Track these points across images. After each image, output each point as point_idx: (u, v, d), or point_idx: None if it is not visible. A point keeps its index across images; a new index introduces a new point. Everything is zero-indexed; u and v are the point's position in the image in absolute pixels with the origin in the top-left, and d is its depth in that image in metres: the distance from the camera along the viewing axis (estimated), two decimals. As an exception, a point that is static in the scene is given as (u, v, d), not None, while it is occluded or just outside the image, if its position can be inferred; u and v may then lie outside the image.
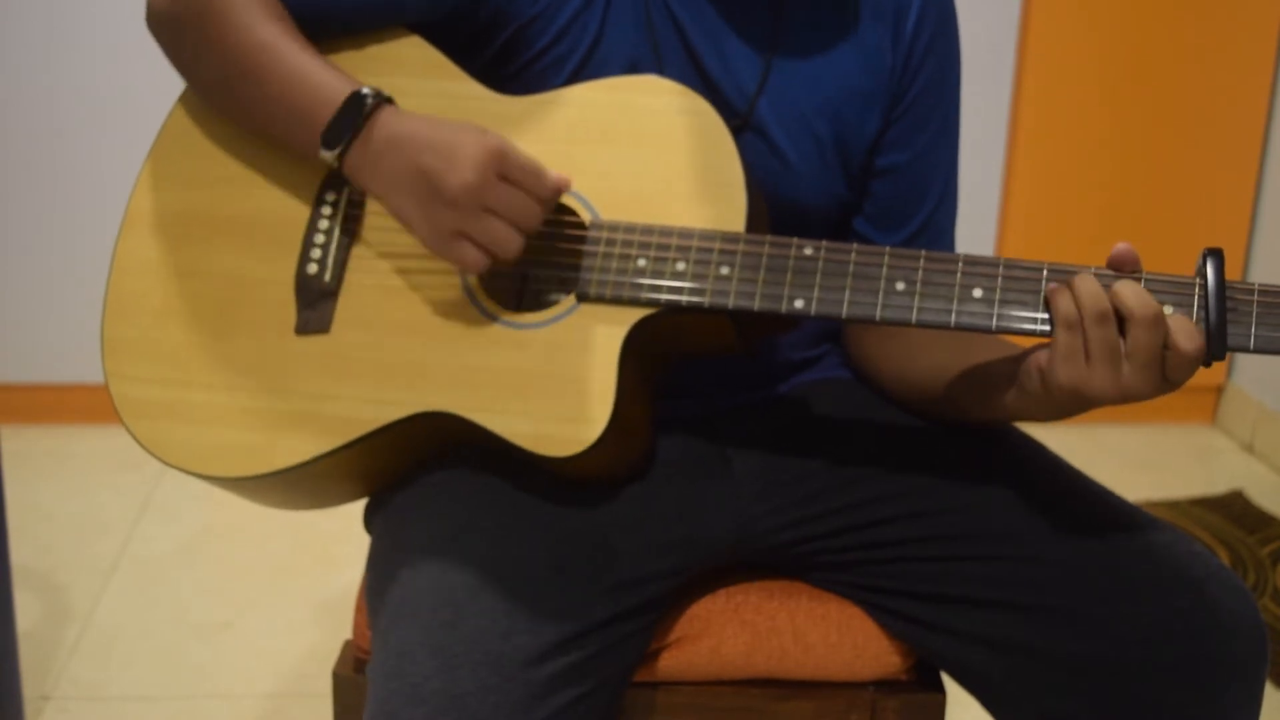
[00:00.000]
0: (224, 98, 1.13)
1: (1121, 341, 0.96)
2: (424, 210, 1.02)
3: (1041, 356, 1.00)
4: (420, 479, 1.12)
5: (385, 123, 1.04)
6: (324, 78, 1.07)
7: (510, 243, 1.02)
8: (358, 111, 1.04)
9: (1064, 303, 0.97)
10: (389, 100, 1.06)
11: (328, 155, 1.06)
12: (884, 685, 1.19)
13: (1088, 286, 0.97)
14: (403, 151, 1.03)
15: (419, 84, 1.11)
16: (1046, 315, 0.99)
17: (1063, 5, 2.73)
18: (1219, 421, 2.99)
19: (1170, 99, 2.79)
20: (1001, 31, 2.74)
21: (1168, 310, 0.97)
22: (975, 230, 2.83)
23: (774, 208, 1.12)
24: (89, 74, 2.61)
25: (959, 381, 1.12)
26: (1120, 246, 0.99)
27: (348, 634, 1.25)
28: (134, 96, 2.53)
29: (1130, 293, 0.95)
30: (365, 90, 1.05)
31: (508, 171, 1.01)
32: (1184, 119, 2.81)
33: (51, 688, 1.92)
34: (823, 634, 1.17)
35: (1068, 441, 1.24)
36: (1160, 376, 0.96)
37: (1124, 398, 0.97)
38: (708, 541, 1.16)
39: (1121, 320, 0.95)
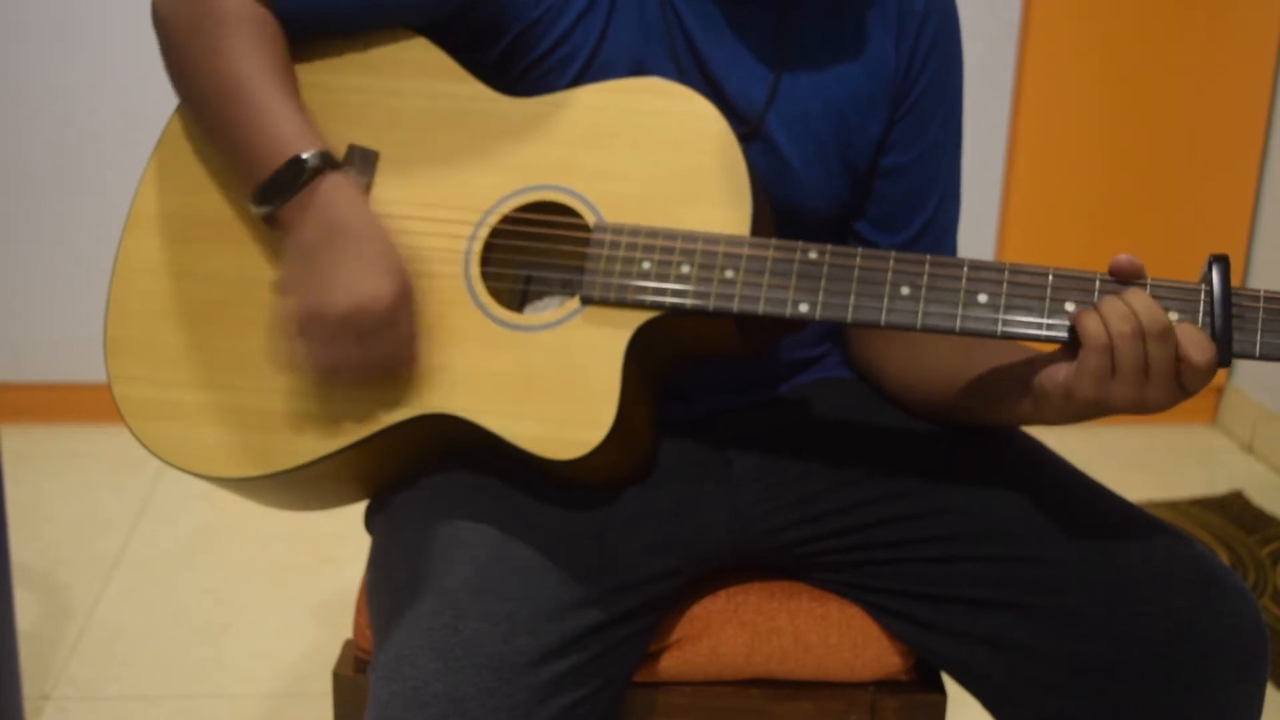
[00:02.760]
0: (193, 114, 1.13)
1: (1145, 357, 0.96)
2: (302, 291, 1.01)
3: (1061, 372, 0.99)
4: (422, 480, 1.12)
5: (329, 193, 1.03)
6: (279, 130, 1.04)
7: (346, 375, 1.02)
8: (296, 176, 1.03)
9: (1092, 326, 0.96)
10: (336, 167, 1.04)
11: (256, 211, 1.05)
12: (884, 685, 1.19)
13: (1114, 309, 0.96)
14: (327, 228, 1.02)
15: (424, 85, 1.11)
16: (1051, 321, 0.99)
17: (1063, 6, 2.73)
18: (1219, 422, 2.99)
19: (1170, 100, 2.79)
20: (1001, 31, 2.74)
21: (1173, 317, 0.97)
22: (975, 231, 2.83)
23: (775, 210, 1.12)
24: (93, 75, 2.61)
25: (966, 385, 1.12)
26: (1121, 257, 0.99)
27: (348, 634, 1.25)
28: (139, 98, 2.53)
29: (1140, 306, 0.95)
30: (308, 154, 1.03)
31: (399, 321, 1.01)
32: (1184, 120, 2.81)
33: (51, 687, 1.92)
34: (823, 634, 1.17)
35: (1068, 442, 1.24)
36: (1177, 387, 0.96)
37: (1144, 408, 0.97)
38: (708, 542, 1.16)
39: (1142, 335, 0.96)
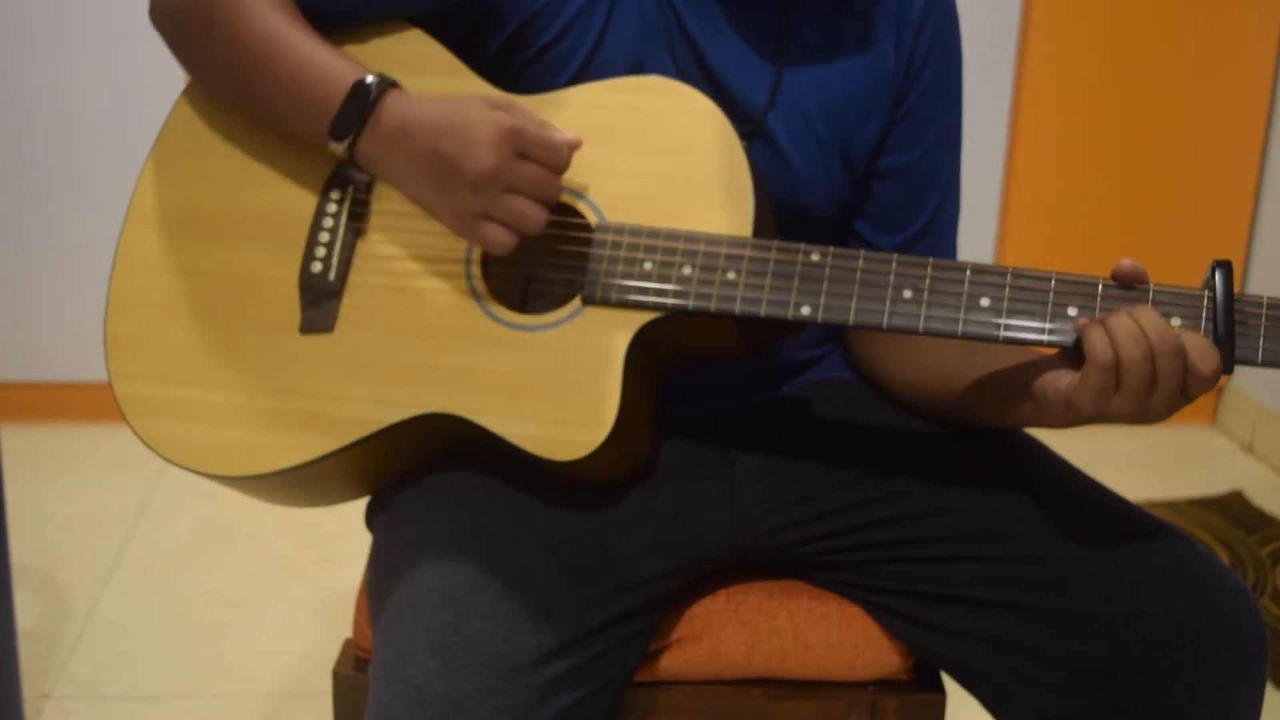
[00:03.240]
0: (230, 89, 1.13)
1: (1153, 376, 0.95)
2: (445, 196, 1.03)
3: (1063, 382, 0.99)
4: (423, 479, 1.12)
5: (393, 110, 1.04)
6: (330, 67, 1.06)
7: (536, 217, 1.02)
8: (363, 101, 1.04)
9: (1099, 342, 0.96)
10: (394, 85, 1.06)
11: (337, 147, 1.06)
12: (884, 685, 1.19)
13: (1124, 329, 0.95)
14: (415, 138, 1.03)
15: (423, 81, 1.11)
16: (1054, 326, 0.99)
17: (1062, 6, 2.73)
18: (1219, 422, 2.99)
19: (1170, 100, 2.79)
20: (1001, 32, 2.74)
21: (1175, 323, 0.97)
22: (975, 231, 2.83)
23: (776, 208, 1.11)
24: (93, 72, 2.61)
25: (967, 388, 1.12)
26: (1125, 262, 0.99)
27: (348, 633, 1.25)
28: (138, 94, 2.53)
29: (1150, 326, 0.95)
30: (369, 78, 1.05)
31: (524, 147, 1.01)
32: (1184, 121, 2.81)
33: (51, 686, 1.92)
34: (823, 634, 1.17)
35: (1068, 441, 1.24)
36: (1182, 397, 0.97)
37: (1145, 419, 0.97)
38: (709, 542, 1.16)
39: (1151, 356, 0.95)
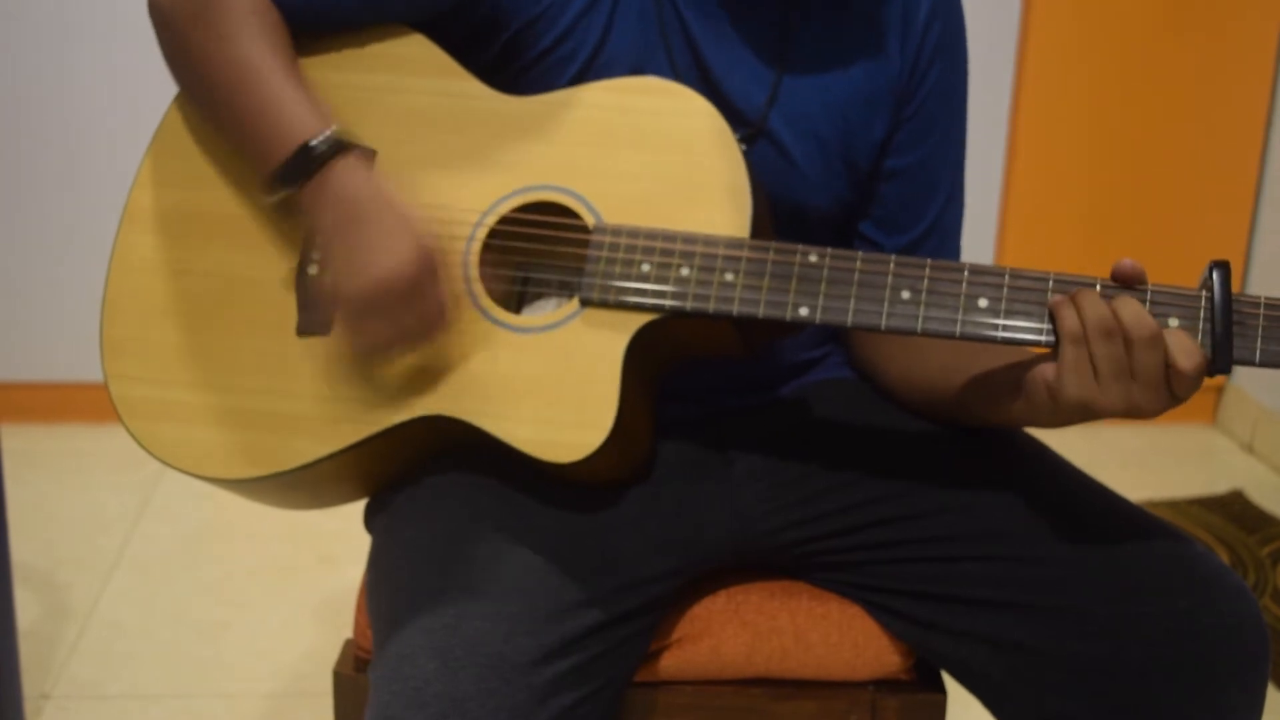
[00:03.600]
0: (198, 102, 1.13)
1: (1128, 359, 0.96)
2: (349, 272, 1.01)
3: (1048, 370, 0.99)
4: (422, 480, 1.12)
5: (340, 175, 1.02)
6: (290, 115, 1.04)
7: (385, 347, 1.02)
8: (307, 163, 1.03)
9: (1068, 317, 0.97)
10: (348, 148, 1.04)
11: (268, 198, 1.05)
12: (885, 685, 1.19)
13: (1091, 301, 0.97)
14: (346, 210, 1.01)
15: (423, 83, 1.11)
16: (1051, 327, 0.99)
17: (1063, 6, 2.73)
18: (1219, 422, 2.99)
19: (1170, 101, 2.79)
20: (1002, 33, 2.74)
21: (1173, 323, 0.97)
22: (975, 232, 2.82)
23: (777, 210, 1.11)
24: (92, 72, 2.61)
25: (964, 387, 1.12)
26: (1124, 262, 0.99)
27: (348, 633, 1.25)
28: (139, 97, 2.53)
29: (1128, 313, 0.96)
30: (317, 142, 1.02)
31: (433, 279, 1.00)
32: (1184, 121, 2.81)
33: (52, 686, 1.92)
34: (823, 634, 1.17)
35: (1069, 441, 1.24)
36: (1168, 393, 0.97)
37: (1133, 413, 0.97)
38: (709, 542, 1.16)
39: (1124, 339, 0.96)
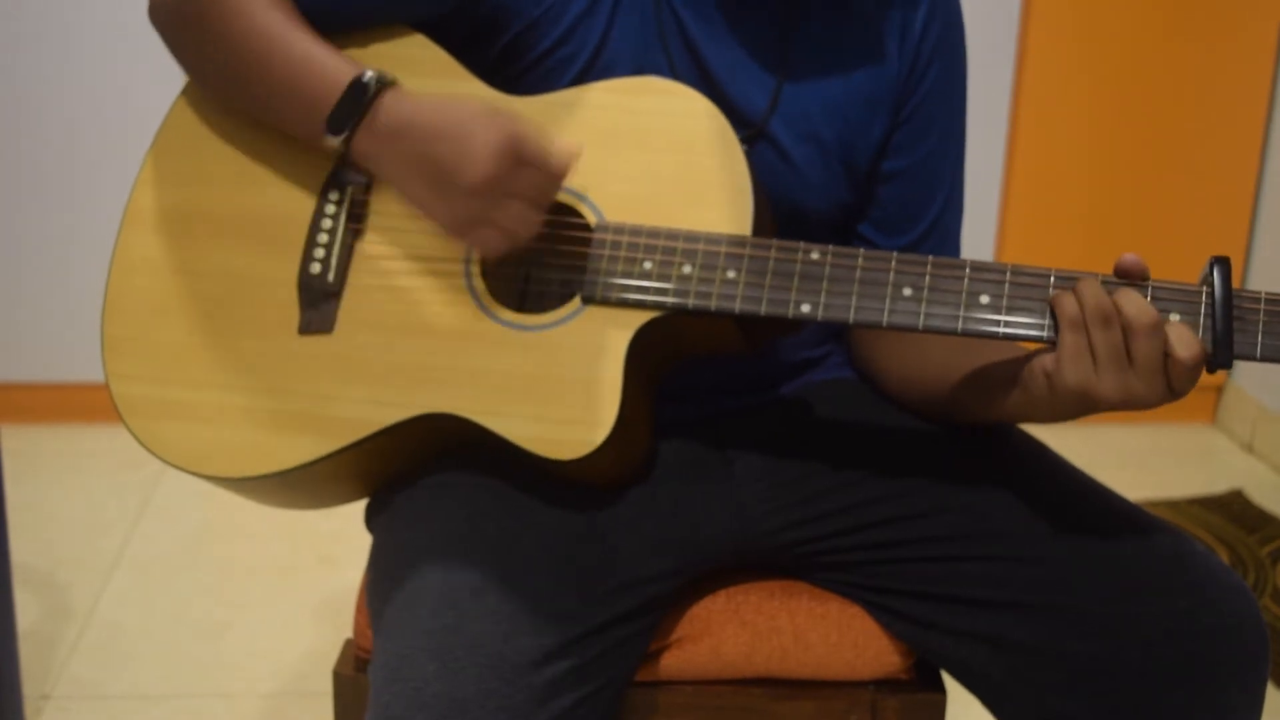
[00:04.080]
0: (227, 87, 1.13)
1: (1127, 347, 0.96)
2: (442, 199, 1.02)
3: (1048, 359, 1.00)
4: (423, 480, 1.12)
5: (391, 108, 1.04)
6: (327, 64, 1.06)
7: (531, 224, 1.02)
8: (361, 97, 1.04)
9: (1068, 304, 0.98)
10: (393, 83, 1.05)
11: (333, 142, 1.05)
12: (885, 685, 1.19)
13: (1091, 288, 0.97)
14: (413, 139, 1.02)
15: (424, 83, 1.11)
16: (1053, 322, 0.99)
17: (1063, 5, 2.73)
18: (1219, 421, 2.99)
19: (1170, 100, 2.79)
20: (1001, 31, 2.74)
21: (1174, 318, 0.97)
22: (975, 231, 2.83)
23: (777, 212, 1.11)
24: (93, 72, 2.61)
25: (963, 383, 1.12)
26: (1127, 257, 0.99)
27: (348, 633, 1.25)
28: (137, 93, 2.53)
29: (1128, 301, 0.96)
30: (368, 75, 1.04)
31: (523, 154, 1.00)
32: (1184, 120, 2.81)
33: (52, 687, 1.92)
34: (823, 634, 1.17)
35: (1068, 441, 1.24)
36: (1165, 385, 0.97)
37: (1130, 403, 0.97)
38: (709, 542, 1.16)
39: (1124, 328, 0.96)
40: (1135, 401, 0.97)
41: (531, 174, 1.01)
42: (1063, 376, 0.98)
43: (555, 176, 1.02)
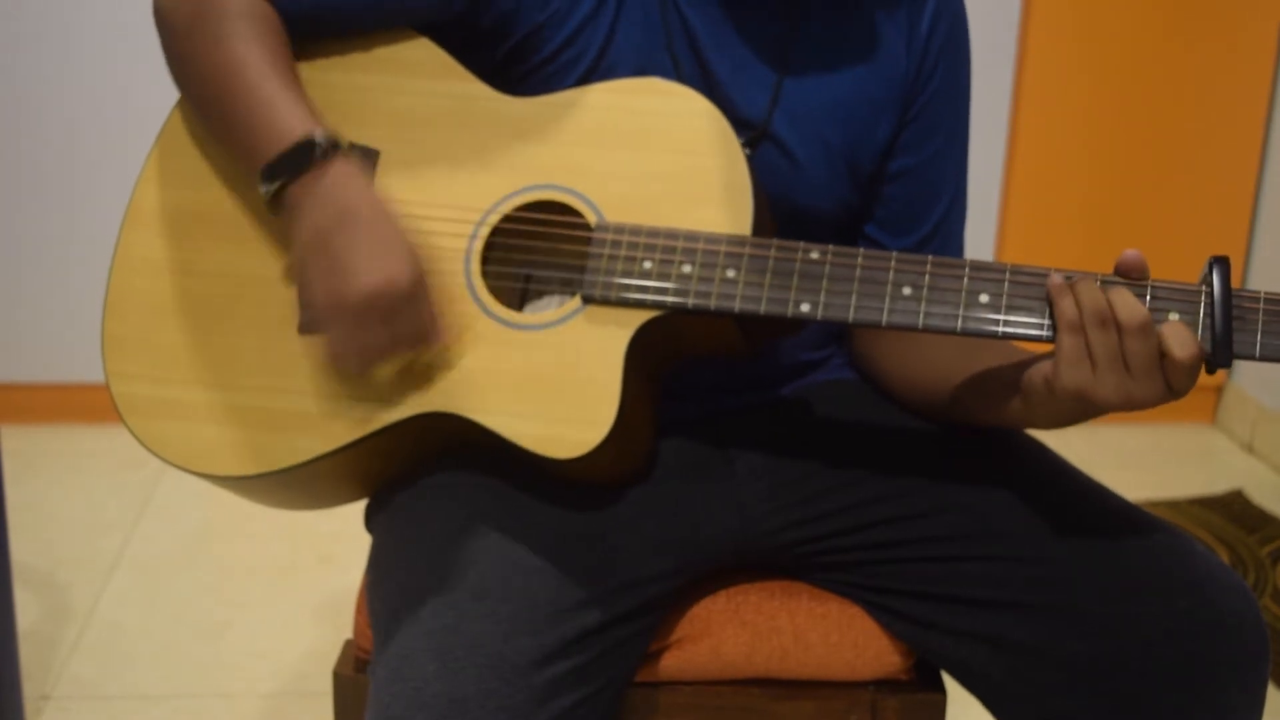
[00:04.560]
0: (195, 102, 1.13)
1: (1121, 348, 0.96)
2: (324, 287, 0.99)
3: (1046, 364, 1.00)
4: (422, 479, 1.12)
5: (337, 177, 1.01)
6: (284, 114, 1.04)
7: (375, 359, 1.01)
8: (305, 157, 1.02)
9: (1066, 305, 0.98)
10: (345, 149, 1.03)
11: (263, 189, 1.03)
12: (884, 685, 1.19)
13: (1088, 289, 0.97)
14: (338, 217, 1.00)
15: (428, 85, 1.11)
16: (1051, 321, 0.99)
17: (1063, 5, 2.73)
18: (1219, 421, 2.99)
19: (1170, 98, 2.79)
20: (1002, 31, 2.74)
21: (1173, 318, 0.97)
22: (975, 231, 2.82)
23: (780, 212, 1.12)
24: (93, 72, 2.61)
25: (965, 385, 1.12)
26: (1128, 253, 0.99)
27: (348, 633, 1.25)
28: (137, 93, 2.53)
29: (1120, 302, 0.96)
30: (318, 135, 1.02)
31: (419, 303, 0.99)
32: (1184, 120, 2.81)
33: (52, 687, 1.92)
34: (823, 634, 1.17)
35: (1069, 441, 1.24)
36: (1163, 384, 0.97)
37: (1129, 404, 0.97)
38: (709, 542, 1.16)
39: (1118, 328, 0.96)
40: (1134, 403, 0.97)
41: (411, 321, 1.00)
42: (1061, 379, 0.98)
43: (429, 338, 1.01)
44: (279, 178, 1.02)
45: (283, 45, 1.09)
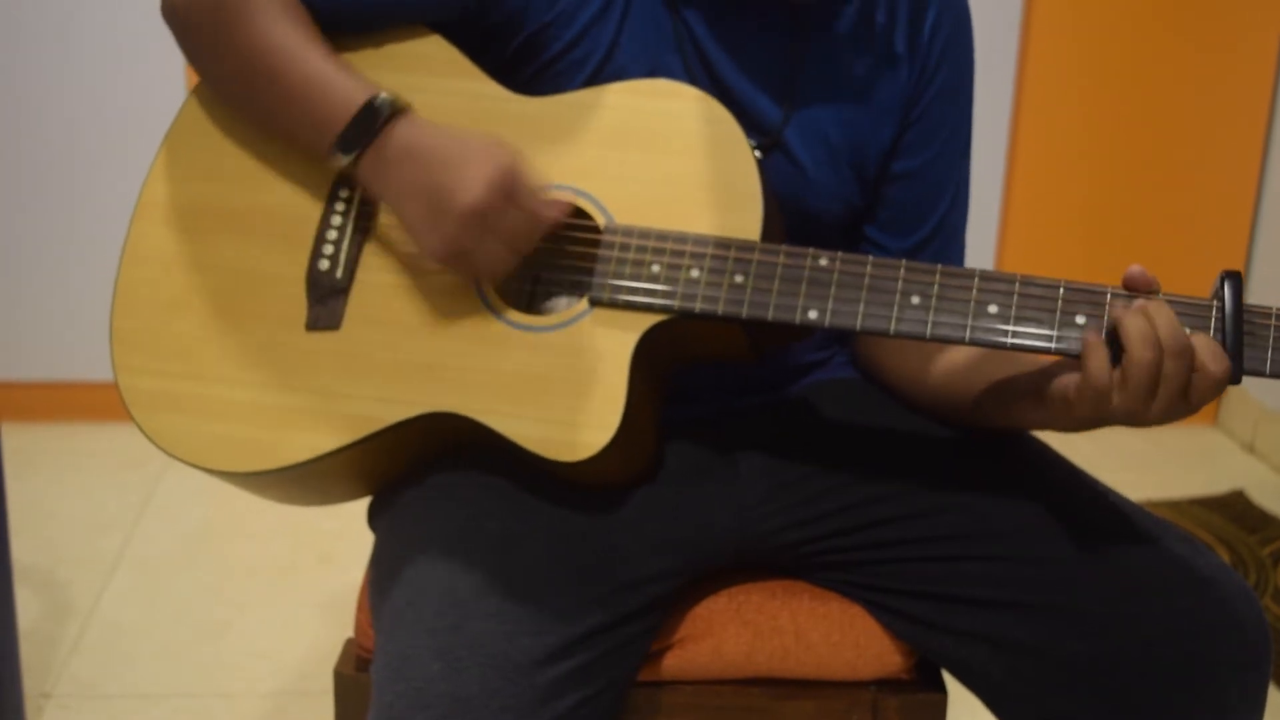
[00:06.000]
0: (236, 96, 1.13)
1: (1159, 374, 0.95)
2: (430, 221, 1.02)
3: (1070, 386, 0.99)
4: (426, 479, 1.12)
5: (401, 132, 1.05)
6: (342, 83, 1.06)
7: (504, 265, 1.03)
8: (373, 120, 1.04)
9: (1096, 365, 0.96)
10: (405, 107, 1.06)
11: (341, 161, 1.06)
12: (886, 684, 1.19)
13: (1140, 330, 0.95)
14: (415, 163, 1.03)
15: (439, 82, 1.11)
16: (1061, 334, 0.99)
17: (1064, 8, 2.73)
18: (1220, 421, 2.99)
19: (1171, 103, 2.80)
20: (1003, 33, 2.74)
21: (1185, 331, 0.97)
22: (976, 233, 2.82)
23: (788, 215, 1.11)
24: (97, 73, 2.61)
25: (978, 391, 1.12)
26: (1134, 269, 0.99)
27: (349, 632, 1.25)
28: (143, 91, 2.53)
29: (1165, 326, 0.95)
30: (380, 98, 1.05)
31: (515, 194, 1.01)
32: (1185, 123, 2.81)
33: (52, 686, 1.92)
34: (824, 633, 1.17)
35: (1070, 441, 1.24)
36: (1185, 402, 0.96)
37: (1142, 423, 0.97)
38: (712, 542, 1.16)
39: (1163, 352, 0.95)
40: (1154, 422, 0.97)
41: (516, 215, 1.01)
42: (1080, 409, 0.98)
43: (538, 222, 1.03)
44: (354, 147, 1.05)
45: (309, 22, 1.10)
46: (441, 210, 1.01)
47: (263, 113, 1.11)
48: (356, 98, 1.05)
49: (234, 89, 1.13)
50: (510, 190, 1.01)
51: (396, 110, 1.05)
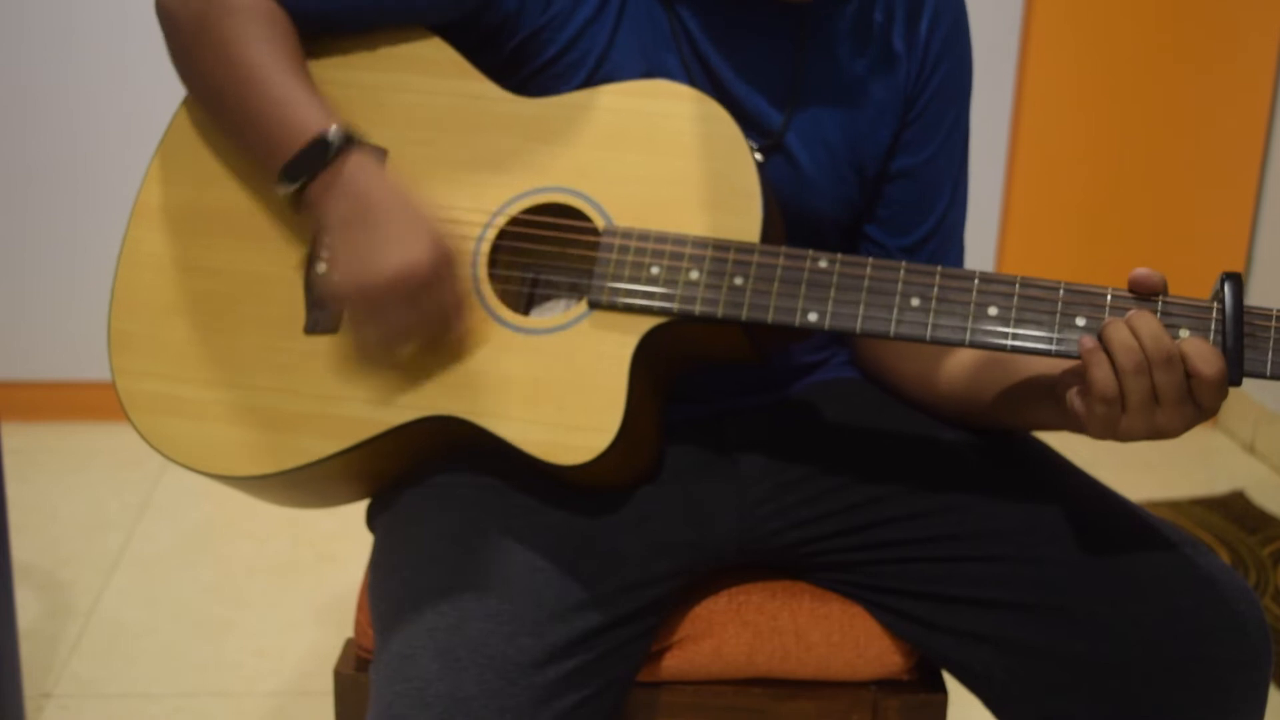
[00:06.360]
0: (207, 105, 1.13)
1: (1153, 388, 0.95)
2: (359, 264, 1.00)
3: (1077, 400, 0.99)
4: (426, 480, 1.12)
5: (354, 168, 1.03)
6: (300, 112, 1.04)
7: (401, 339, 1.02)
8: (321, 154, 1.03)
9: (1101, 377, 0.96)
10: (359, 142, 1.04)
11: (283, 190, 1.04)
12: (886, 685, 1.20)
13: (1125, 344, 0.95)
14: (361, 203, 1.01)
15: (436, 83, 1.11)
16: (1061, 336, 0.99)
17: (1064, 8, 2.73)
18: (1220, 422, 2.99)
19: (1172, 104, 2.80)
20: (1003, 33, 2.74)
21: (1184, 334, 0.97)
22: (976, 233, 2.82)
23: (787, 216, 1.11)
24: (97, 74, 2.61)
25: (990, 394, 1.12)
26: (1140, 271, 0.98)
27: (349, 632, 1.25)
28: (143, 96, 2.53)
29: (1148, 334, 0.95)
30: (332, 131, 1.03)
31: (452, 278, 1.01)
32: (1185, 123, 2.81)
33: (53, 685, 1.92)
34: (825, 634, 1.17)
35: (1070, 441, 1.24)
36: (1194, 408, 0.96)
37: (1161, 436, 0.97)
38: (713, 543, 1.16)
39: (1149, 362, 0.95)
40: (1166, 433, 0.97)
41: (442, 299, 1.00)
42: (1092, 430, 0.98)
43: (455, 316, 1.02)
44: (299, 177, 1.03)
45: (291, 42, 1.09)
46: (374, 259, 0.99)
47: (228, 125, 1.11)
48: (310, 129, 1.03)
49: (203, 96, 1.12)
50: (448, 272, 1.00)
51: (349, 144, 1.03)
